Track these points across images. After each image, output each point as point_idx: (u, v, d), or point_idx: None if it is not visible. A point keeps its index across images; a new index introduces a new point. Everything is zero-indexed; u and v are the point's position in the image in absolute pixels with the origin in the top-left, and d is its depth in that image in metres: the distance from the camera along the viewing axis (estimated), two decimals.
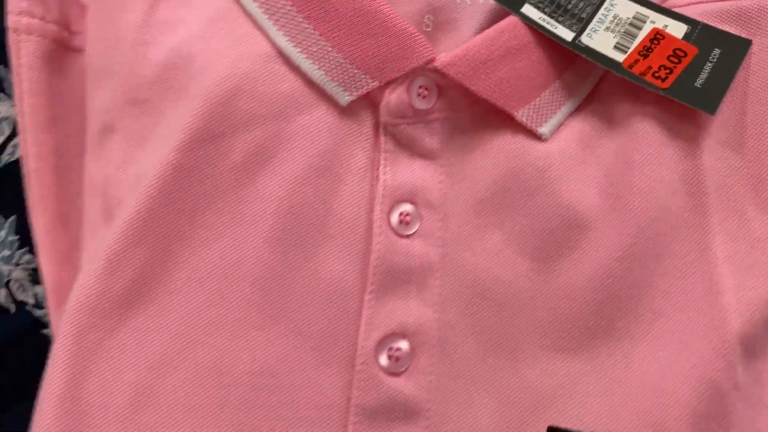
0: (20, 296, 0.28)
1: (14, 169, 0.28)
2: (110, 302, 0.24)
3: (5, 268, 0.27)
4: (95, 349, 0.24)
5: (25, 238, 0.27)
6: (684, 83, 0.26)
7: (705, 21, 0.27)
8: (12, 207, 0.27)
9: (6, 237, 0.28)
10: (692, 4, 0.28)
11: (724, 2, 0.28)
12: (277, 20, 0.26)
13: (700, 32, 0.27)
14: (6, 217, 0.28)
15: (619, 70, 0.26)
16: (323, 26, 0.25)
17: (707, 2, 0.28)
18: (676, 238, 0.25)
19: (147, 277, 0.24)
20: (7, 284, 0.27)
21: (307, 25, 0.25)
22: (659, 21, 0.27)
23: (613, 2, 0.28)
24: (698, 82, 0.26)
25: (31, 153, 0.27)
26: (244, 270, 0.24)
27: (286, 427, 0.24)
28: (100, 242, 0.25)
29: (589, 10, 0.27)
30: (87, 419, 0.23)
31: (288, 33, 0.25)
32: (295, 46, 0.25)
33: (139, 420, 0.23)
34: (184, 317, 0.24)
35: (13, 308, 0.28)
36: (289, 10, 0.25)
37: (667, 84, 0.26)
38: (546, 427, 0.24)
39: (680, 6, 0.28)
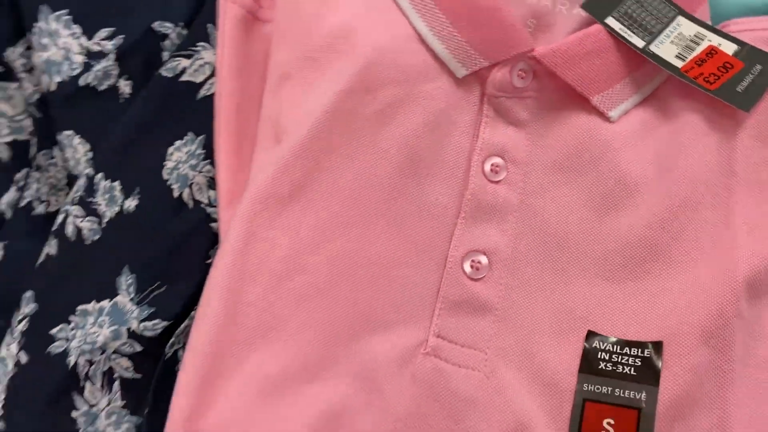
0: (198, 196, 0.37)
1: (209, 100, 0.37)
2: (276, 198, 0.32)
3: (191, 174, 0.37)
4: (260, 230, 0.32)
5: (209, 153, 0.37)
6: (728, 88, 0.33)
7: (752, 44, 0.34)
8: (203, 128, 0.37)
9: (195, 150, 0.37)
10: (744, 31, 0.35)
11: (761, 31, 0.35)
12: (418, 9, 0.34)
13: (748, 51, 0.34)
14: (197, 135, 0.37)
15: (677, 73, 0.34)
16: (452, 16, 0.34)
17: (757, 30, 0.35)
18: (708, 204, 0.32)
19: (304, 183, 0.33)
20: (190, 186, 0.37)
21: (440, 14, 0.34)
22: (715, 40, 0.35)
23: (679, 22, 0.35)
24: (739, 88, 0.33)
25: (222, 90, 0.36)
26: (373, 187, 0.33)
27: (391, 306, 0.32)
28: (270, 157, 0.34)
29: (658, 27, 0.35)
30: (248, 277, 0.32)
31: (425, 19, 0.34)
32: (429, 29, 0.34)
33: (285, 285, 0.32)
34: (327, 215, 0.32)
35: (191, 204, 0.37)
36: (428, 2, 0.34)
37: (714, 87, 0.33)
38: (587, 332, 0.31)
39: (735, 31, 0.36)
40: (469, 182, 0.34)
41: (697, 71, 0.34)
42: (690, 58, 0.34)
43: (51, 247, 0.38)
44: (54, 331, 0.36)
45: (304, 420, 0.30)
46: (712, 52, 0.34)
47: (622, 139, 0.34)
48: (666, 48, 0.34)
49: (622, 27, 0.35)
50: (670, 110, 0.34)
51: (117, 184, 0.38)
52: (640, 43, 0.34)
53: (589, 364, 0.30)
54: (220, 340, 0.31)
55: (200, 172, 0.37)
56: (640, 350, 0.30)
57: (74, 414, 0.35)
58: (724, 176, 0.33)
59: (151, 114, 0.38)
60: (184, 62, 0.38)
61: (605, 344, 0.30)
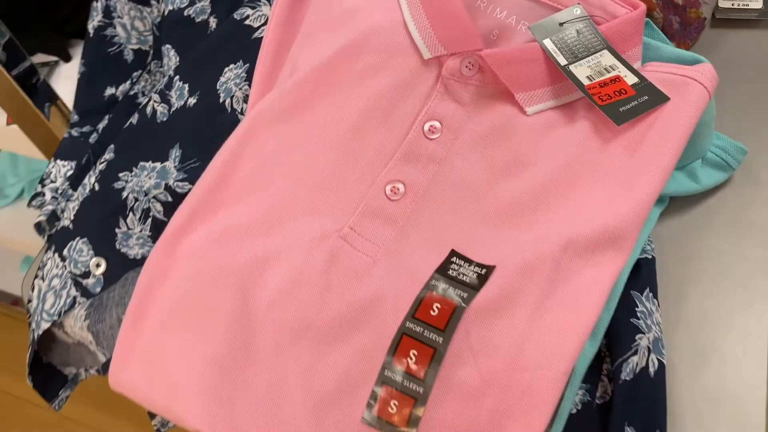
0: (235, 105, 0.52)
1: (258, 41, 0.52)
2: (276, 110, 0.47)
3: (234, 89, 0.52)
4: (258, 129, 0.47)
5: (249, 77, 0.52)
6: (613, 106, 0.43)
7: (652, 81, 0.44)
8: (250, 60, 0.52)
9: (240, 73, 0.52)
10: (654, 71, 0.46)
11: (667, 74, 0.45)
12: (408, 2, 0.47)
13: (643, 86, 0.44)
14: (244, 63, 0.52)
15: (581, 88, 0.44)
16: (429, 12, 0.46)
17: (661, 72, 0.45)
18: (574, 186, 0.43)
19: (296, 106, 0.47)
20: (231, 97, 0.52)
21: (421, 9, 0.47)
22: (623, 72, 0.45)
23: (602, 54, 0.46)
24: (622, 108, 0.43)
25: (267, 37, 0.51)
26: (342, 121, 0.46)
27: (326, 202, 0.45)
28: (282, 85, 0.48)
29: (583, 54, 0.46)
30: (240, 163, 0.46)
31: (411, 10, 0.47)
32: (411, 17, 0.47)
33: (265, 169, 0.46)
34: (305, 131, 0.46)
35: (229, 110, 0.52)
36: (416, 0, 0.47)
37: (603, 103, 0.44)
38: (451, 249, 0.43)
39: (648, 71, 0.46)
40: (409, 134, 0.46)
41: (596, 90, 0.44)
42: (597, 80, 0.45)
43: (134, 119, 0.55)
44: (120, 174, 0.52)
45: (240, 259, 0.43)
46: (616, 79, 0.45)
47: (529, 129, 0.45)
48: (581, 69, 0.45)
49: (555, 48, 0.46)
50: (574, 117, 0.45)
51: (186, 85, 0.53)
52: (562, 62, 0.45)
53: (443, 268, 0.42)
54: (207, 194, 0.45)
55: (240, 89, 0.52)
56: (480, 269, 0.41)
57: (116, 230, 0.51)
58: (591, 168, 0.44)
59: (219, 42, 0.53)
60: (249, 11, 0.53)
61: (458, 260, 0.42)
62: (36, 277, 0.53)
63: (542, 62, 0.46)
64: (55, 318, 0.50)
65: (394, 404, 0.39)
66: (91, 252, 0.51)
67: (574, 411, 0.42)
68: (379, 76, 0.47)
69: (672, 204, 0.49)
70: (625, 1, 0.47)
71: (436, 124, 0.46)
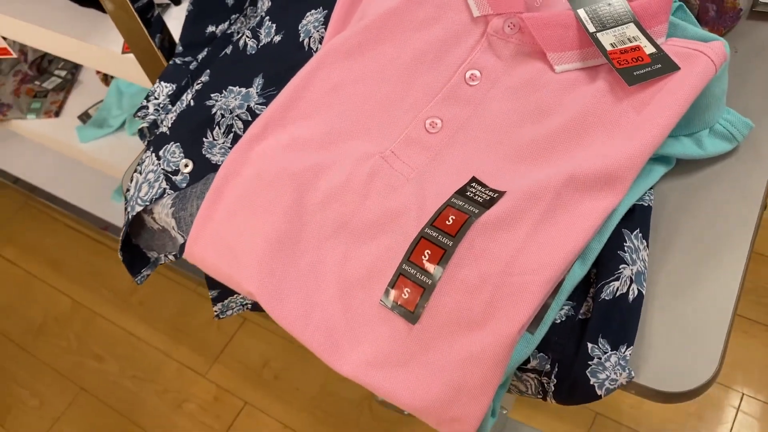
0: (312, 45, 0.61)
1: None
2: (343, 49, 0.56)
3: (312, 30, 0.61)
4: (325, 64, 0.56)
5: (326, 22, 0.61)
6: (629, 70, 0.50)
7: (668, 53, 0.51)
8: (328, 7, 0.61)
9: (319, 17, 0.61)
10: (674, 45, 0.52)
11: (683, 48, 0.51)
12: None
13: (660, 55, 0.51)
14: (323, 10, 0.61)
15: (603, 51, 0.51)
16: None
17: (678, 46, 0.52)
18: (586, 131, 0.50)
19: (362, 46, 0.55)
20: (309, 37, 0.61)
21: None
22: (642, 42, 0.52)
23: (628, 26, 0.52)
24: (636, 73, 0.50)
25: None
26: (399, 61, 0.55)
27: (377, 127, 0.54)
28: (352, 28, 0.57)
29: (611, 24, 0.53)
30: (310, 88, 0.55)
31: None
32: None
33: (331, 94, 0.55)
34: (368, 68, 0.55)
35: (306, 49, 0.61)
36: None
37: (620, 66, 0.51)
38: (472, 176, 0.51)
39: (668, 44, 0.52)
40: (452, 78, 0.54)
41: (617, 56, 0.51)
42: (618, 47, 0.52)
43: (228, 50, 0.65)
44: (212, 94, 0.63)
45: (300, 165, 0.53)
46: (636, 48, 0.51)
47: (555, 84, 0.52)
48: (607, 37, 0.52)
49: (586, 17, 0.53)
50: (596, 78, 0.52)
51: (274, 25, 0.63)
52: (591, 29, 0.52)
53: (462, 190, 0.50)
54: (280, 110, 0.55)
55: (317, 31, 0.61)
56: (493, 193, 0.49)
57: (204, 139, 0.62)
58: (602, 119, 0.51)
59: None
60: None
61: (477, 185, 0.50)
62: (135, 171, 0.64)
63: (574, 28, 0.53)
64: (147, 204, 0.61)
65: (407, 291, 0.48)
66: (182, 154, 0.61)
67: (558, 321, 0.49)
68: (434, 26, 0.55)
69: (679, 166, 0.55)
70: None
71: (477, 72, 0.54)
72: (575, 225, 0.47)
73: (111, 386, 1.48)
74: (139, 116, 0.69)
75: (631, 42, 0.52)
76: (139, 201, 0.62)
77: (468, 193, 0.50)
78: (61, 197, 1.67)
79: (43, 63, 1.52)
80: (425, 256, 0.48)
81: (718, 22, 0.62)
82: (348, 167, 0.52)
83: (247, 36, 0.64)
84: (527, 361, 0.49)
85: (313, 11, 0.62)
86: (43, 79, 1.50)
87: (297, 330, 0.50)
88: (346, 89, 0.55)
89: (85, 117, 1.40)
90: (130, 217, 0.62)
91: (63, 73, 1.50)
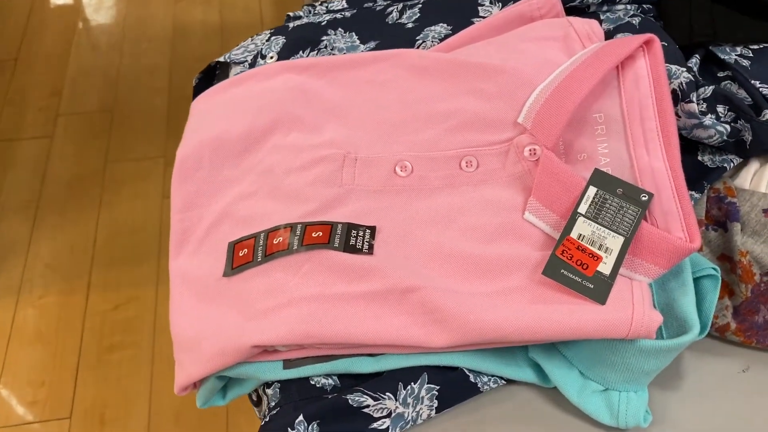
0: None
1: (469, 23, 0.61)
2: (416, 64, 0.57)
3: (429, 40, 0.62)
4: (389, 61, 0.58)
5: (443, 39, 0.62)
6: (561, 264, 0.45)
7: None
8: (455, 29, 0.62)
9: (442, 33, 0.62)
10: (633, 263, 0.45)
11: (625, 281, 0.44)
12: (547, 82, 0.52)
13: (604, 282, 0.45)
14: (450, 29, 0.62)
15: (563, 233, 0.47)
16: (551, 98, 0.51)
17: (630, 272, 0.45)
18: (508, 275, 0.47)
19: (430, 68, 0.56)
20: (423, 42, 0.63)
21: (547, 91, 0.51)
22: (608, 259, 0.46)
23: (615, 237, 0.47)
24: (562, 272, 0.45)
25: (475, 30, 0.60)
26: (439, 102, 0.55)
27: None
28: (435, 54, 0.57)
29: (605, 221, 0.47)
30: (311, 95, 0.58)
31: (543, 87, 0.52)
32: (539, 91, 0.52)
33: (368, 89, 0.57)
34: (405, 91, 0.56)
35: (412, 47, 0.63)
36: None
37: (557, 252, 0.46)
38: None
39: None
40: (454, 149, 0.53)
41: (570, 246, 0.46)
42: (582, 243, 0.46)
43: (376, 6, 0.69)
44: (334, 29, 0.68)
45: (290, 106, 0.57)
46: (594, 257, 0.46)
47: (516, 226, 0.49)
48: (584, 226, 0.47)
49: (590, 197, 0.48)
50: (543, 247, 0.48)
51: (419, 14, 0.65)
52: (581, 209, 0.47)
53: (355, 226, 0.50)
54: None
55: (432, 42, 0.62)
56: (369, 245, 0.49)
57: (300, 52, 0.67)
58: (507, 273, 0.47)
59: (452, 4, 0.64)
60: (487, 2, 0.62)
61: (366, 232, 0.50)
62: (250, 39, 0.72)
63: (572, 197, 0.48)
64: (233, 58, 0.69)
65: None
66: (277, 50, 0.68)
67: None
68: (486, 100, 0.53)
69: None
70: (689, 228, 0.46)
71: (475, 162, 0.52)
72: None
73: None
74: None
75: (598, 249, 0.46)
76: (231, 55, 0.70)
77: (353, 231, 0.50)
78: None
79: None
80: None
81: (760, 333, 0.51)
82: (317, 139, 0.55)
83: (397, 8, 0.67)
84: None
85: (444, 25, 0.63)
86: None
87: None
88: (375, 91, 0.57)
89: None
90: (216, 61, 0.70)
91: None
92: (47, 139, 1.74)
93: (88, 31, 2.00)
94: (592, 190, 0.48)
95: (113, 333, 1.42)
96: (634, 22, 0.58)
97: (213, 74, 0.74)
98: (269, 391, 0.49)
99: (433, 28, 0.63)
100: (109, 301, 1.47)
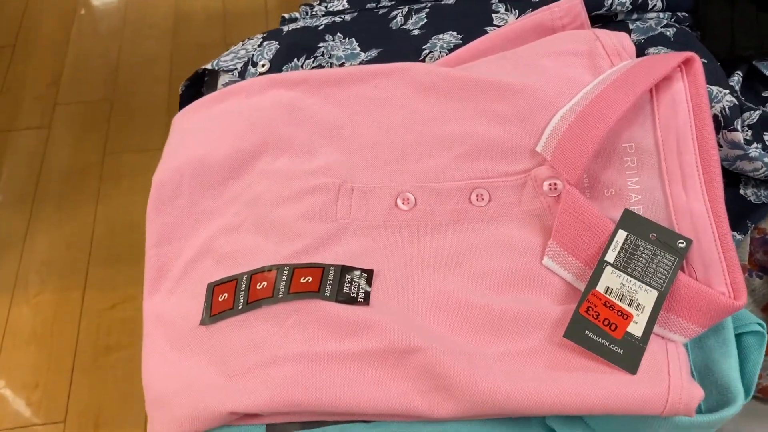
0: (426, 59, 0.56)
1: (482, 33, 0.55)
2: (422, 83, 0.50)
3: (437, 49, 0.56)
4: (389, 77, 0.51)
5: (453, 49, 0.55)
6: (585, 325, 0.39)
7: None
8: (466, 39, 0.55)
9: (451, 42, 0.56)
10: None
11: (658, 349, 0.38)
12: (568, 108, 0.46)
13: (637, 346, 0.39)
14: (460, 38, 0.56)
15: (587, 288, 0.40)
16: (571, 128, 0.44)
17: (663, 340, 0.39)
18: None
19: (436, 86, 0.50)
20: (430, 52, 0.56)
21: (568, 120, 0.45)
22: (639, 317, 0.40)
23: (648, 291, 0.40)
24: (587, 333, 0.39)
25: (487, 41, 0.54)
26: (447, 125, 0.48)
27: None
28: (440, 69, 0.51)
29: (635, 273, 0.41)
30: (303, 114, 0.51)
31: (566, 114, 0.46)
32: (559, 119, 0.45)
33: (368, 108, 0.51)
34: (412, 111, 0.50)
35: (420, 58, 0.57)
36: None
37: (581, 311, 0.40)
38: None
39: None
40: (465, 180, 0.46)
41: (596, 302, 0.40)
42: (610, 297, 0.40)
43: (379, 10, 0.62)
44: (332, 34, 0.61)
45: (284, 128, 0.50)
46: (624, 315, 0.40)
47: (532, 273, 0.43)
48: (612, 278, 0.41)
49: (619, 243, 0.42)
50: (564, 301, 0.42)
51: (425, 20, 0.59)
52: (609, 258, 0.41)
53: (348, 269, 0.44)
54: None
55: (440, 52, 0.56)
56: (364, 294, 0.43)
57: (293, 59, 0.61)
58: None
59: (466, 11, 0.57)
60: (502, 9, 0.55)
61: (362, 276, 0.44)
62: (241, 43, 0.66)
63: (599, 242, 0.42)
64: (220, 65, 0.63)
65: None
66: (270, 55, 0.62)
67: None
68: (499, 122, 0.47)
69: None
70: (733, 282, 0.40)
71: (486, 196, 0.46)
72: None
73: None
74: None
75: (628, 306, 0.40)
76: (219, 62, 0.64)
77: (347, 276, 0.44)
78: None
79: None
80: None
81: None
82: (309, 165, 0.49)
83: (402, 11, 0.61)
84: None
85: (453, 33, 0.56)
86: None
87: None
88: (379, 113, 0.50)
89: None
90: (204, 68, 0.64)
91: None
92: (44, 129, 1.68)
93: (89, 17, 1.94)
94: (621, 235, 0.42)
95: (110, 333, 1.38)
96: (668, 33, 0.51)
97: (202, 81, 0.68)
98: None
99: (441, 36, 0.57)
100: (106, 299, 1.42)
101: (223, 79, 0.62)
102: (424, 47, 0.57)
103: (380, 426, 0.42)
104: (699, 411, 0.41)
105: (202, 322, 0.44)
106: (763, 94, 0.51)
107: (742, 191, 0.48)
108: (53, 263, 1.47)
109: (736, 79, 0.50)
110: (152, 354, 0.46)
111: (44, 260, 1.47)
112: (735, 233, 0.46)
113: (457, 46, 0.55)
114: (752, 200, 0.48)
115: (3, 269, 1.47)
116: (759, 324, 0.43)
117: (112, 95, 1.74)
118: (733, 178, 0.49)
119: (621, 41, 0.48)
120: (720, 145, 0.46)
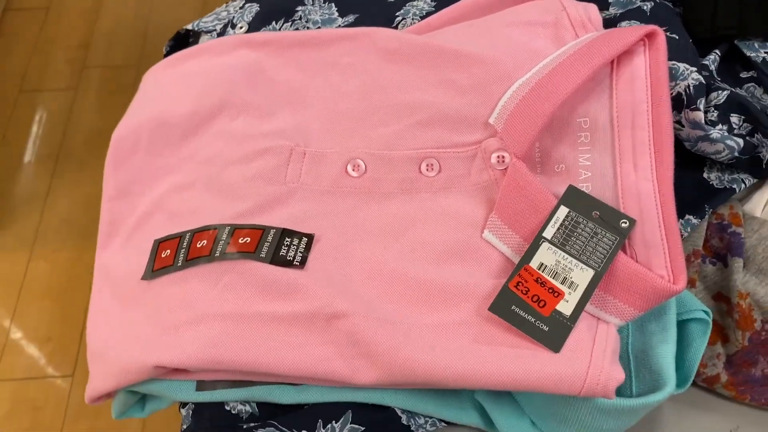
0: (399, 26, 0.55)
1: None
2: (384, 48, 0.49)
3: (410, 16, 0.55)
4: (358, 40, 0.50)
5: (425, 17, 0.54)
6: (511, 299, 0.38)
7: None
8: (440, 6, 0.54)
9: (424, 9, 0.55)
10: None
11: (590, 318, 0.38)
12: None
13: (564, 324, 0.38)
14: (433, 5, 0.54)
15: (519, 263, 0.39)
16: (522, 102, 0.43)
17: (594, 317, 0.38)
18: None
19: (398, 52, 0.48)
20: (403, 19, 0.55)
21: (525, 89, 0.44)
22: (571, 298, 0.39)
23: (584, 270, 0.39)
24: (513, 308, 0.38)
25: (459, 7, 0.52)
26: (409, 92, 0.47)
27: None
28: (412, 36, 0.50)
29: (574, 250, 0.40)
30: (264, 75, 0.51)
31: (519, 85, 0.44)
32: (511, 92, 0.44)
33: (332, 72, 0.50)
34: (375, 77, 0.49)
35: (393, 26, 0.56)
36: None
37: (510, 285, 0.39)
38: None
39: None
40: (417, 149, 0.45)
41: (528, 277, 0.39)
42: (542, 273, 0.39)
43: None
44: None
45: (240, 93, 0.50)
46: (556, 293, 0.39)
47: (473, 245, 0.42)
48: (548, 254, 0.40)
49: (559, 219, 0.40)
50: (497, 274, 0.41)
51: None
52: (547, 234, 0.40)
53: (289, 232, 0.44)
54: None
55: (413, 19, 0.55)
56: (301, 258, 0.43)
57: (272, 22, 0.60)
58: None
59: None
60: None
61: (302, 240, 0.44)
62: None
63: (540, 217, 0.41)
64: (200, 27, 0.62)
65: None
66: (249, 18, 0.61)
67: None
68: (456, 91, 0.46)
69: None
70: (674, 266, 0.38)
71: (436, 165, 0.45)
72: None
73: None
74: None
75: (561, 283, 0.39)
76: (200, 23, 0.64)
77: (287, 239, 0.44)
78: None
79: None
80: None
81: (756, 389, 0.44)
82: (265, 127, 0.48)
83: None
84: None
85: (427, 0, 0.55)
86: None
87: None
88: (354, 73, 0.50)
89: None
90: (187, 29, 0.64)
91: None
92: (72, 91, 1.71)
93: None
94: (563, 211, 0.41)
95: None
96: (645, 7, 0.49)
97: (186, 43, 0.68)
98: (183, 412, 0.44)
99: (415, 3, 0.55)
100: None
101: (203, 40, 0.62)
102: (397, 14, 0.55)
103: (307, 390, 0.42)
104: (630, 396, 0.40)
105: (144, 277, 0.45)
106: (741, 75, 0.49)
107: (705, 174, 0.46)
108: (72, 222, 1.50)
109: (713, 58, 0.48)
110: (97, 308, 0.46)
111: (64, 218, 1.51)
112: (691, 217, 0.45)
113: (429, 13, 0.54)
114: (714, 184, 0.46)
115: (25, 224, 1.50)
116: (704, 311, 0.41)
117: (139, 61, 1.76)
118: (698, 161, 0.47)
119: (588, 12, 0.46)
120: (681, 125, 0.44)
